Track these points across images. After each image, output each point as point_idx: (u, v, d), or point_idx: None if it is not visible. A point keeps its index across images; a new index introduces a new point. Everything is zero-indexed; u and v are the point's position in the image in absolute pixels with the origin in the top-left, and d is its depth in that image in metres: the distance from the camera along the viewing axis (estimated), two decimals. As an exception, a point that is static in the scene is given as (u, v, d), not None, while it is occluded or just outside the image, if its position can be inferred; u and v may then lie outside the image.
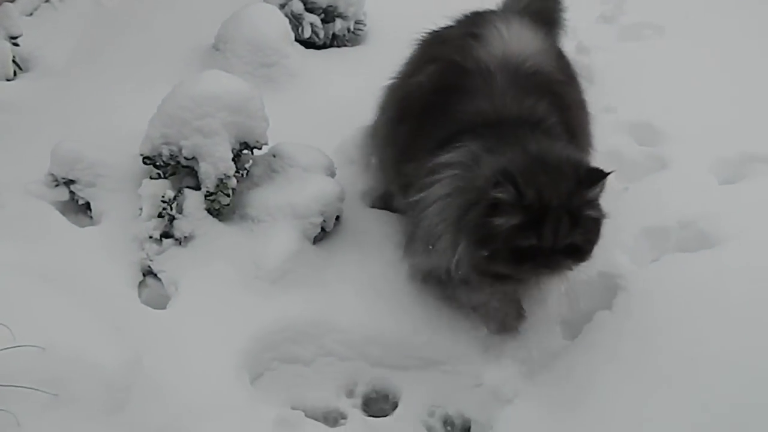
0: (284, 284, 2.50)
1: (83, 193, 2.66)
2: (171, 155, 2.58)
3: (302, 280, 2.51)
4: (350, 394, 2.43)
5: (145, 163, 2.60)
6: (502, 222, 2.07)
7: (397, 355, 2.43)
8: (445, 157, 2.27)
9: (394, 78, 2.76)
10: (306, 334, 2.43)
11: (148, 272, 2.54)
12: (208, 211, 2.61)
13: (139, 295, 2.50)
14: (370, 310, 2.46)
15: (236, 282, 2.49)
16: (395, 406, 2.40)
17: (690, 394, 2.12)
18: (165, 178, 2.62)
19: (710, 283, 2.48)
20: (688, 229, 2.74)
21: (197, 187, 2.61)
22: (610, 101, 3.26)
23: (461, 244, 2.19)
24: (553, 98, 2.45)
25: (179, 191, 2.59)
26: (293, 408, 2.31)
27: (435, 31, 2.77)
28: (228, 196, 2.59)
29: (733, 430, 2.03)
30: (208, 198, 2.58)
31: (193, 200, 2.58)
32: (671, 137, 3.16)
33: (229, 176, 2.56)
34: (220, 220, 2.62)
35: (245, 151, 2.65)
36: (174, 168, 2.62)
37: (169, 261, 2.53)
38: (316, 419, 2.29)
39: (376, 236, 2.69)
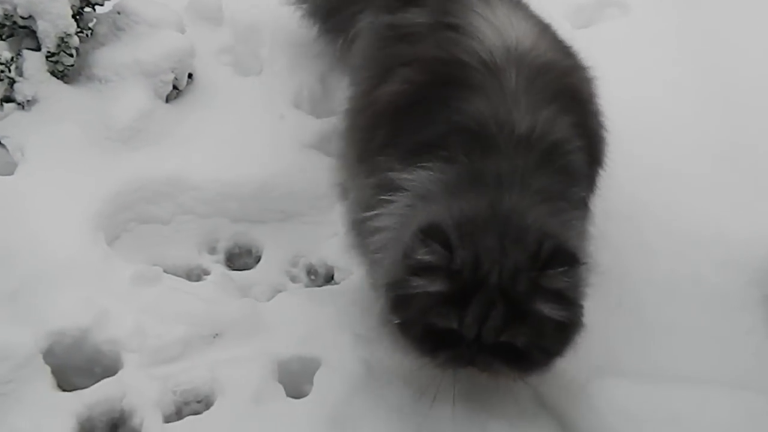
0: (136, 144, 2.41)
1: None
2: (5, 15, 2.41)
3: (155, 139, 2.44)
4: (212, 250, 2.41)
5: (-23, 24, 2.42)
6: (420, 284, 1.56)
7: (256, 210, 2.41)
8: (402, 176, 1.74)
9: (352, 98, 2.19)
10: (162, 193, 2.37)
11: (-9, 140, 2.41)
12: (52, 73, 2.46)
13: (-18, 164, 2.38)
14: (226, 167, 2.41)
15: (86, 144, 2.39)
16: (258, 259, 2.40)
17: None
18: (3, 40, 2.46)
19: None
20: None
21: (38, 49, 2.46)
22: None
23: (381, 298, 1.71)
24: (572, 102, 1.90)
25: (18, 53, 2.44)
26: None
27: (385, 25, 2.17)
28: (71, 56, 2.45)
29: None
30: (50, 59, 2.44)
31: (34, 62, 2.43)
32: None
33: (70, 35, 2.41)
34: (65, 82, 2.48)
35: (87, 9, 2.50)
36: (11, 29, 2.45)
37: (13, 126, 2.39)
38: (177, 276, 2.27)
39: (230, 94, 2.62)
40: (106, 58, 2.51)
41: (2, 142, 2.39)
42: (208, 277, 2.30)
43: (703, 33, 2.84)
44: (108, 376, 1.98)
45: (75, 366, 2.02)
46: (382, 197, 1.75)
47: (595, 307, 2.04)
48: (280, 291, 2.25)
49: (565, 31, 2.92)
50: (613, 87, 2.69)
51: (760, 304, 2.11)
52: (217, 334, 2.07)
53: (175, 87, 2.56)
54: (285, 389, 1.97)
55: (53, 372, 1.97)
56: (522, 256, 1.53)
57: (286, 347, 2.02)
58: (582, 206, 1.81)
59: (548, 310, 1.53)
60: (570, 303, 1.57)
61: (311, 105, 2.70)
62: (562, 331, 1.58)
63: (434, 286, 1.54)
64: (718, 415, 1.71)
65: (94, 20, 2.54)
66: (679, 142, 2.51)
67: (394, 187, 1.73)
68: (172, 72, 2.52)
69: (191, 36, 2.65)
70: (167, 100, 2.55)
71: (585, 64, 2.13)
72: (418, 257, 1.54)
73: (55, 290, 2.06)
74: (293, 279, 2.35)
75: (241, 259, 2.42)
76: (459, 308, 1.53)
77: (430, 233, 1.53)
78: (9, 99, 2.42)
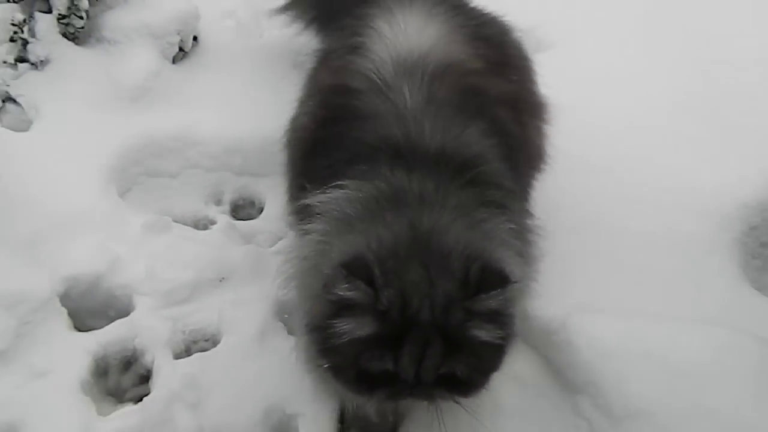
0: (145, 102, 2.37)
1: (-70, 22, 2.40)
2: (18, -22, 2.35)
3: (163, 98, 2.39)
4: (218, 202, 2.37)
5: (-9, -12, 2.36)
6: (347, 328, 1.31)
7: (258, 164, 2.36)
8: (317, 200, 1.51)
9: (290, 120, 1.95)
10: (170, 148, 2.33)
11: (7, 98, 2.34)
12: (63, 35, 2.41)
13: (0, 121, 2.31)
14: (230, 124, 2.37)
15: (97, 102, 2.34)
16: (261, 210, 2.36)
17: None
18: (15, 2, 2.39)
19: (545, 79, 2.51)
20: (528, 36, 2.73)
21: (49, 11, 2.40)
22: None
23: (302, 339, 1.51)
24: (479, 106, 1.67)
25: (30, 15, 2.38)
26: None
27: (318, 51, 2.09)
28: (81, 18, 2.39)
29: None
30: (61, 21, 2.38)
31: (46, 23, 2.38)
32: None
33: (80, -2, 2.36)
34: (76, 44, 2.43)
35: (96, -27, 2.44)
36: (23, -8, 2.40)
37: (27, 85, 2.34)
38: (185, 225, 2.24)
39: (233, 56, 2.59)
40: (115, 20, 2.46)
41: (17, 100, 2.34)
42: (215, 226, 2.27)
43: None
44: (121, 318, 1.97)
45: (90, 308, 2.00)
46: (300, 225, 1.55)
47: (574, 252, 2.04)
48: (281, 238, 2.22)
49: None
50: (591, 50, 2.69)
51: (729, 248, 2.10)
52: (223, 278, 2.06)
53: (181, 49, 2.51)
54: (286, 328, 1.95)
55: (69, 314, 1.96)
56: (451, 285, 1.32)
57: (286, 290, 2.00)
58: (508, 209, 1.56)
59: (485, 334, 1.33)
60: (505, 320, 1.36)
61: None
62: (500, 349, 1.38)
63: (362, 329, 1.30)
64: (688, 349, 1.70)
65: (103, -16, 2.49)
66: (654, 101, 2.48)
67: (309, 213, 1.50)
68: (178, 34, 2.47)
69: (197, 0, 2.60)
70: (174, 61, 2.50)
71: (517, 59, 1.96)
72: (341, 293, 1.30)
73: (70, 238, 2.03)
74: (291, 226, 2.32)
75: (245, 209, 2.38)
76: (392, 350, 1.30)
77: (353, 269, 1.29)
78: (23, 59, 2.36)
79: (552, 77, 2.48)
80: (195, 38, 2.55)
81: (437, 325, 1.30)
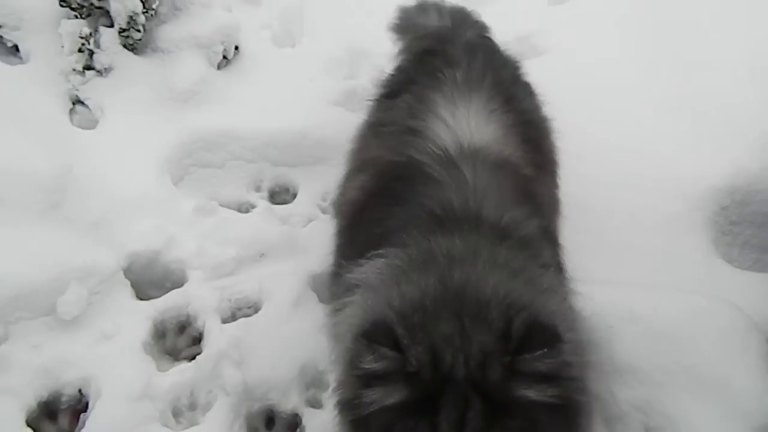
0: (194, 103, 2.39)
1: (10, 36, 2.42)
2: (84, -2, 2.37)
3: (209, 100, 2.41)
4: (258, 189, 2.39)
5: (61, 5, 2.37)
6: (375, 398, 1.04)
7: (292, 156, 2.38)
8: (357, 273, 1.26)
9: (338, 191, 1.73)
10: (216, 143, 2.35)
11: (77, 101, 2.37)
12: (124, 46, 2.42)
13: (71, 121, 2.34)
14: (267, 121, 2.38)
15: (153, 104, 2.37)
16: (295, 195, 2.38)
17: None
18: (83, 18, 2.40)
19: (538, 81, 2.50)
20: (524, 43, 2.73)
21: (111, 26, 2.41)
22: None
23: (336, 418, 1.17)
24: (539, 208, 1.49)
25: (95, 29, 2.39)
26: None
27: (367, 122, 1.76)
28: (139, 31, 2.41)
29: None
30: (122, 34, 2.40)
31: (109, 36, 2.39)
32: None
33: (137, 13, 2.37)
34: (135, 54, 2.45)
35: (151, -8, 2.45)
36: (89, 9, 2.40)
37: (94, 90, 2.37)
38: (230, 209, 2.26)
39: (270, 62, 2.61)
40: (168, 33, 2.47)
41: (85, 102, 2.37)
42: (255, 210, 2.29)
43: (658, 3, 2.76)
44: (176, 288, 2.00)
45: (149, 280, 2.03)
46: (339, 300, 1.29)
47: (567, 231, 2.04)
48: (312, 220, 2.24)
49: (541, 7, 2.90)
50: (585, 50, 2.66)
51: (702, 226, 2.10)
52: (262, 254, 2.08)
53: (224, 57, 2.52)
54: (317, 297, 1.97)
55: (132, 285, 1.99)
56: (488, 337, 1.03)
57: (318, 263, 2.00)
58: (550, 269, 1.31)
59: (535, 393, 1.01)
60: (562, 379, 1.03)
61: (336, 70, 2.66)
62: (561, 412, 1.03)
63: (391, 397, 1.03)
64: (668, 313, 1.70)
65: (157, 2, 2.48)
66: (639, 96, 2.46)
67: (350, 287, 1.25)
68: (222, 44, 2.48)
69: (237, 15, 2.62)
70: (218, 67, 2.51)
71: (552, 165, 1.74)
72: (366, 366, 1.03)
73: (132, 220, 2.07)
74: (323, 210, 2.33)
75: (281, 195, 2.40)
76: (428, 416, 1.01)
77: (373, 335, 1.04)
78: (90, 67, 2.38)
79: (547, 79, 2.49)
80: (236, 47, 2.56)
81: (475, 383, 1.01)
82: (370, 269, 1.24)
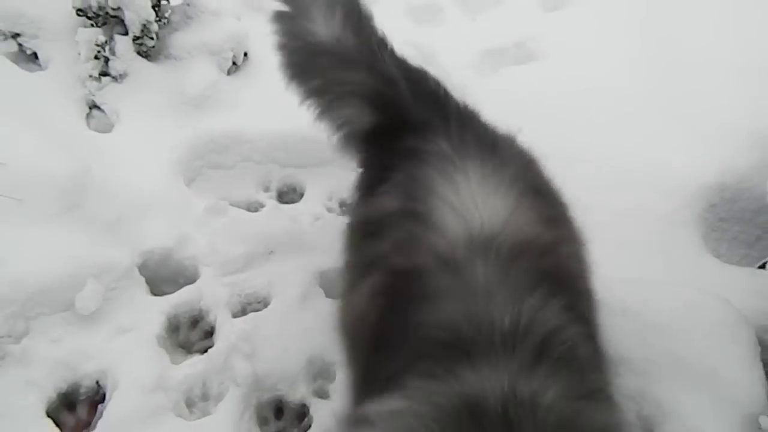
0: (205, 107, 2.34)
1: (29, 44, 2.37)
2: (99, 6, 2.33)
3: (220, 104, 2.36)
4: (267, 189, 2.36)
5: (78, 14, 2.34)
6: None
7: (299, 157, 2.34)
8: (374, 407, 1.01)
9: (340, 294, 1.47)
10: (226, 145, 2.31)
11: (93, 106, 2.33)
12: (138, 53, 2.39)
13: (88, 125, 2.29)
14: (276, 124, 2.33)
15: (167, 108, 2.33)
16: (302, 195, 2.34)
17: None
18: (99, 26, 2.37)
19: (535, 85, 2.47)
20: (521, 48, 2.69)
21: (126, 33, 2.37)
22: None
23: None
24: (559, 283, 1.18)
25: (111, 37, 2.35)
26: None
27: (364, 207, 1.47)
28: (152, 39, 2.37)
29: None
30: (136, 42, 2.36)
31: (123, 44, 2.35)
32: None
33: (151, 22, 2.33)
34: (148, 60, 2.41)
35: (163, 1, 2.40)
36: (104, 18, 2.36)
37: (109, 95, 2.33)
38: (240, 208, 2.22)
39: (277, 67, 2.50)
40: (180, 40, 2.43)
41: (101, 107, 2.33)
42: (264, 209, 2.26)
43: (649, 8, 2.71)
44: (189, 284, 1.97)
45: (163, 277, 2.01)
46: None
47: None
48: (318, 219, 2.21)
49: (538, 13, 2.85)
50: (580, 54, 2.62)
51: (692, 222, 2.06)
52: (271, 252, 2.05)
53: (234, 63, 2.48)
54: (324, 292, 1.95)
55: (147, 281, 1.96)
56: None
57: (324, 260, 1.98)
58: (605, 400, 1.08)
59: None
60: None
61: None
62: None
63: None
64: (660, 306, 1.67)
65: (169, 11, 2.46)
66: (633, 98, 2.42)
67: (359, 422, 1.01)
68: (232, 51, 2.44)
69: (246, 23, 2.58)
70: (228, 73, 2.47)
71: (571, 232, 1.44)
72: None
73: (146, 219, 2.04)
74: (329, 210, 2.30)
75: (288, 195, 2.37)
76: None
77: None
78: (105, 73, 2.35)
79: (545, 83, 2.47)
80: (245, 54, 2.52)
81: None
82: (385, 415, 0.98)
